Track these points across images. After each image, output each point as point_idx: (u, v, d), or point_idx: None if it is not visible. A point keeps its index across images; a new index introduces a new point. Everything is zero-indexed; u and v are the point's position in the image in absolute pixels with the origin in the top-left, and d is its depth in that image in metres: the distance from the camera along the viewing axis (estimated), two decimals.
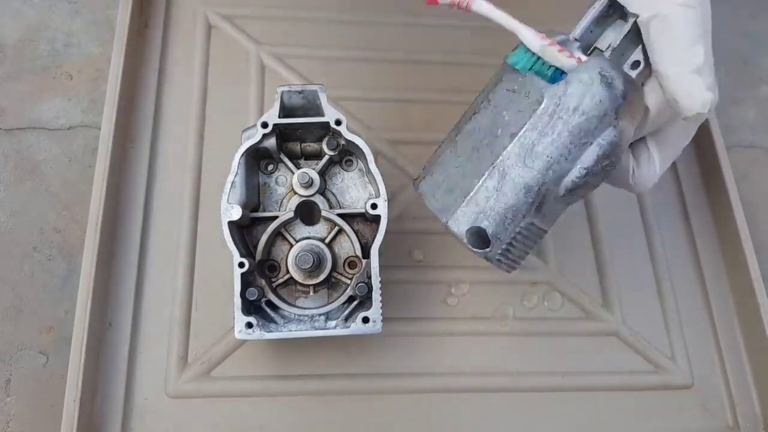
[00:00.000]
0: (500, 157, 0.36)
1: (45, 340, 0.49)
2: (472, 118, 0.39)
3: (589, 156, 0.35)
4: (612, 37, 0.38)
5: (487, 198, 0.37)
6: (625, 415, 0.50)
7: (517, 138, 0.36)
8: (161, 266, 0.50)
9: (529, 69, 0.37)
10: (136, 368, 0.48)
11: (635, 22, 0.36)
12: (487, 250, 0.37)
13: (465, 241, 0.38)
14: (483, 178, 0.37)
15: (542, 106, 0.35)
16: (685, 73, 0.34)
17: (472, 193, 0.37)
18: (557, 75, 0.37)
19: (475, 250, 0.38)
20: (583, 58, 0.36)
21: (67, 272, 0.52)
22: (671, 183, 0.59)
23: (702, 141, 0.59)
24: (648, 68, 0.37)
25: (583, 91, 0.35)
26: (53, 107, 0.58)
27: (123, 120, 0.53)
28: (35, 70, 0.59)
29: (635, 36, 0.37)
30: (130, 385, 0.47)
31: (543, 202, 0.36)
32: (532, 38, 0.36)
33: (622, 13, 0.37)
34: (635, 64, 0.37)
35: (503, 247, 0.37)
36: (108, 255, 0.50)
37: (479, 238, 0.38)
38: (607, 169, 0.36)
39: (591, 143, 0.35)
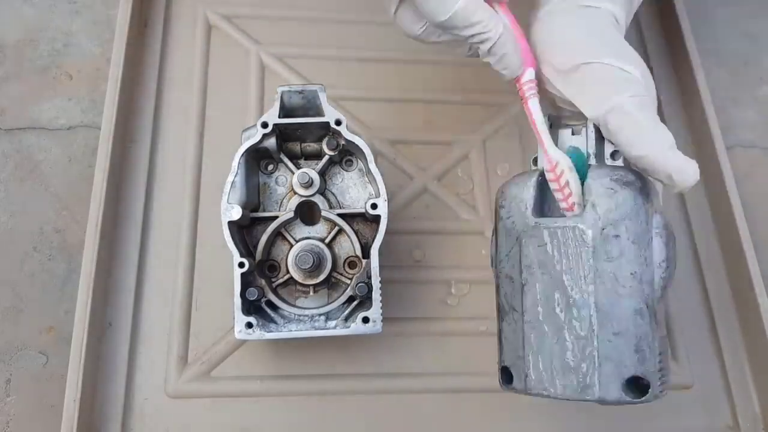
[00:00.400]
0: (593, 306, 0.35)
1: (45, 340, 0.49)
2: (523, 293, 0.37)
3: (657, 248, 0.35)
4: (576, 142, 0.38)
5: (614, 347, 0.34)
6: (626, 415, 0.50)
7: (594, 278, 0.35)
8: (161, 266, 0.50)
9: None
10: (136, 368, 0.48)
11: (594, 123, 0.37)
12: (650, 393, 0.34)
13: (627, 399, 0.34)
14: (593, 333, 0.34)
15: (590, 237, 0.35)
16: (666, 150, 0.35)
17: (596, 353, 0.34)
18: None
19: (639, 401, 0.34)
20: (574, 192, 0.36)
21: (67, 272, 0.52)
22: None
23: (702, 141, 0.59)
24: None
25: (612, 203, 0.35)
26: (53, 107, 0.58)
27: (123, 120, 0.53)
28: (35, 70, 0.59)
29: (599, 133, 0.38)
30: (130, 385, 0.47)
31: (654, 312, 0.35)
32: (543, 162, 0.37)
33: (564, 123, 0.39)
34: (615, 154, 0.38)
35: (658, 376, 0.35)
36: (108, 255, 0.50)
37: (635, 387, 0.34)
38: (674, 247, 0.36)
39: (651, 238, 0.35)
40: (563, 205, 0.36)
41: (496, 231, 0.39)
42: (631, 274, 0.34)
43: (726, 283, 0.55)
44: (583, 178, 0.36)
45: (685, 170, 0.35)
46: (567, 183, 0.36)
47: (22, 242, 0.52)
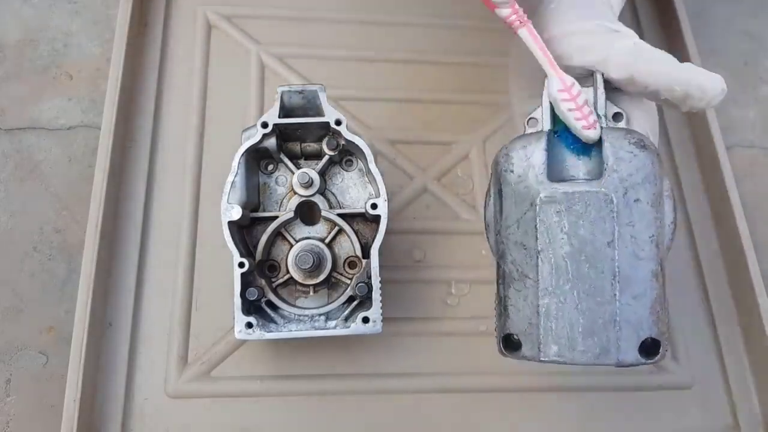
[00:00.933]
0: (616, 270, 0.35)
1: (45, 340, 0.49)
2: (539, 260, 0.36)
3: (668, 210, 0.36)
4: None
5: (633, 311, 0.35)
6: (625, 415, 0.50)
7: (617, 243, 0.35)
8: (161, 266, 0.50)
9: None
10: (136, 368, 0.48)
11: (603, 79, 0.37)
12: (660, 353, 0.35)
13: (642, 361, 0.35)
14: (615, 298, 0.35)
15: (614, 202, 0.35)
16: (688, 65, 0.36)
17: (617, 318, 0.35)
18: (562, 132, 0.37)
19: (652, 362, 0.35)
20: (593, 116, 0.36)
21: (67, 272, 0.52)
22: (671, 183, 0.59)
23: (702, 141, 0.59)
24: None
25: (633, 166, 0.35)
26: (53, 107, 0.58)
27: (123, 120, 0.53)
28: (35, 70, 0.59)
29: (601, 93, 0.38)
30: (130, 385, 0.47)
31: (663, 271, 0.36)
32: (553, 84, 0.37)
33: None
34: (617, 116, 0.38)
35: (666, 336, 0.35)
36: (108, 255, 0.50)
37: (648, 348, 0.35)
38: (676, 208, 0.37)
39: (664, 200, 0.36)
40: (582, 123, 0.36)
41: (499, 196, 0.38)
42: (650, 237, 0.35)
43: (726, 283, 0.55)
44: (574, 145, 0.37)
45: (714, 79, 0.35)
46: (586, 101, 0.36)
47: (22, 242, 0.52)
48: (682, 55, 0.62)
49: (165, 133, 0.55)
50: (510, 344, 0.37)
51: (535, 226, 0.36)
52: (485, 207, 0.40)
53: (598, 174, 0.36)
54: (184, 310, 0.49)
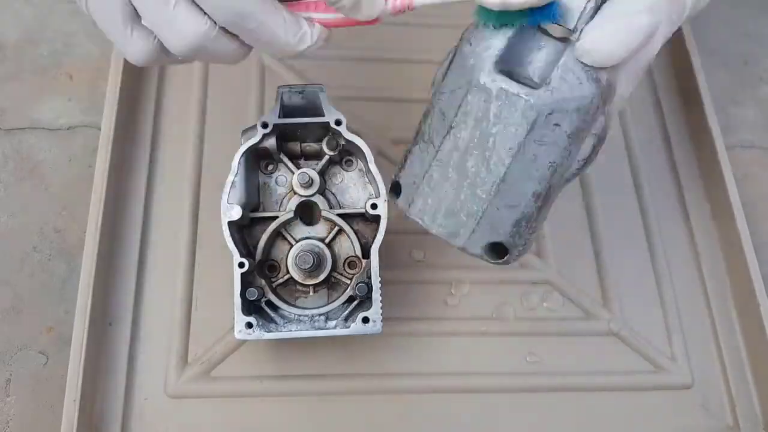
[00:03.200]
0: (503, 175, 0.35)
1: (45, 340, 0.49)
2: (447, 134, 0.36)
3: (586, 148, 0.36)
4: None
5: (499, 215, 0.36)
6: (625, 415, 0.50)
7: (516, 153, 0.34)
8: (161, 266, 0.50)
9: (498, 23, 0.34)
10: (136, 368, 0.48)
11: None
12: (506, 258, 0.37)
13: (485, 257, 0.38)
14: (489, 196, 0.36)
15: (533, 117, 0.34)
16: None
17: (481, 214, 0.36)
18: (534, 13, 0.33)
19: (494, 262, 0.38)
20: None
21: (67, 272, 0.52)
22: (671, 183, 0.59)
23: (702, 141, 0.59)
24: None
25: (570, 93, 0.34)
26: (53, 107, 0.58)
27: (123, 120, 0.53)
28: (35, 70, 0.59)
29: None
30: (130, 385, 0.47)
31: (548, 196, 0.37)
32: None
33: None
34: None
35: (520, 250, 0.37)
36: (108, 255, 0.50)
37: (496, 250, 0.37)
38: (598, 149, 0.36)
39: (587, 137, 0.36)
40: None
41: (450, 61, 0.38)
42: (550, 162, 0.35)
43: (726, 283, 0.55)
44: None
45: None
46: None
47: (22, 242, 0.52)
48: (682, 56, 0.62)
49: (165, 133, 0.55)
50: (395, 189, 0.40)
51: (460, 104, 0.35)
52: (442, 64, 0.40)
53: (542, 81, 0.35)
54: (184, 310, 0.49)
